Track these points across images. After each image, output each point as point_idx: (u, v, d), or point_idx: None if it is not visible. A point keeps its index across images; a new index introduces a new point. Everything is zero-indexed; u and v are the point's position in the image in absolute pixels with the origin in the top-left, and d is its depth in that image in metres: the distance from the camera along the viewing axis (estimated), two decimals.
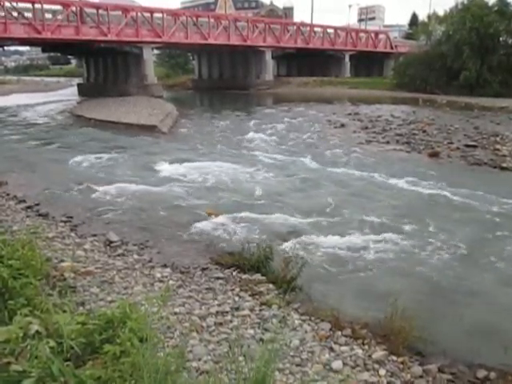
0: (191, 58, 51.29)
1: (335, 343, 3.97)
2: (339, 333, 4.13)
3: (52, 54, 64.00)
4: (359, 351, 3.86)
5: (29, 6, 26.38)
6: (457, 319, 4.56)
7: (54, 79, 62.00)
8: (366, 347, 3.95)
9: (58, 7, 28.19)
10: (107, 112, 21.59)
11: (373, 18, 76.32)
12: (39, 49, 39.59)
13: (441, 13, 38.25)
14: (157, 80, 33.31)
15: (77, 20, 28.21)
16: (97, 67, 37.66)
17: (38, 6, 26.32)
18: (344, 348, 3.90)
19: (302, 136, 16.53)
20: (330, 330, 4.19)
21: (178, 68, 52.10)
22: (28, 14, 26.52)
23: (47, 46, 33.29)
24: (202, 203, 8.39)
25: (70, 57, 69.63)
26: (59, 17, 27.67)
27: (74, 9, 28.14)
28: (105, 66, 36.39)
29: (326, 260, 5.98)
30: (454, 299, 5.04)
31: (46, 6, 26.98)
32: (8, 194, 8.62)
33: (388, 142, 14.89)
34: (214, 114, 23.01)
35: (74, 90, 39.15)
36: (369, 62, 46.18)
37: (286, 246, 6.17)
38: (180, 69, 52.10)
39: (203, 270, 5.50)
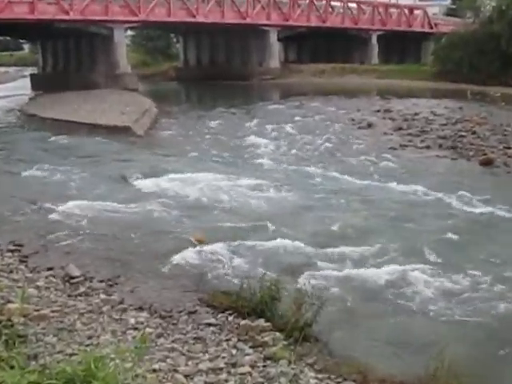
0: (175, 40, 51.93)
1: None
2: None
3: (0, 37, 64.98)
4: None
5: None
6: None
7: (2, 69, 62.85)
8: None
9: None
10: (68, 110, 21.80)
11: None
12: None
13: None
14: (131, 69, 33.68)
15: None
16: (55, 53, 38.12)
17: None
18: None
19: (317, 140, 16.66)
20: None
21: (157, 53, 52.50)
22: None
23: None
24: (189, 227, 8.43)
25: (22, 41, 70.55)
26: None
27: None
28: (65, 51, 36.79)
29: (350, 300, 5.99)
30: None
31: None
32: None
33: (428, 147, 14.99)
34: (203, 112, 23.24)
35: (27, 82, 39.65)
36: (402, 45, 46.41)
37: (298, 282, 6.19)
38: (160, 54, 52.51)
39: (190, 313, 5.50)
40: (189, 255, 7.08)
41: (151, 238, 7.95)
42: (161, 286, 6.24)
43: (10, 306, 5.01)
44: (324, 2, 42.08)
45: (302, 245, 7.57)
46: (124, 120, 19.28)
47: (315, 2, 41.42)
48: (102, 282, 6.26)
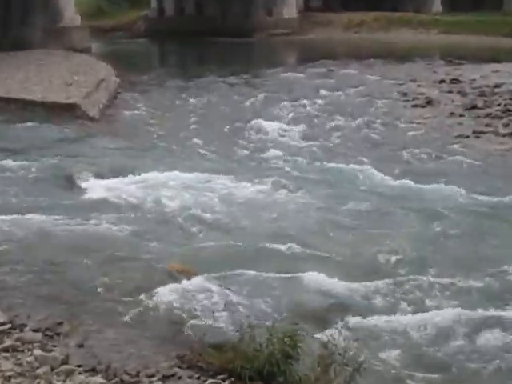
0: None
1: None
2: None
3: None
4: None
5: None
6: None
7: None
8: None
9: None
10: None
11: None
12: None
13: None
14: (81, 20, 33.78)
15: None
16: None
17: None
18: None
19: (352, 124, 16.65)
20: None
21: None
22: None
23: None
24: (164, 251, 8.44)
25: None
26: None
27: None
28: None
29: (398, 360, 5.99)
30: None
31: None
32: None
33: None
34: (186, 83, 23.29)
35: None
36: None
37: (324, 333, 6.16)
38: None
39: (166, 378, 5.47)
40: (164, 292, 7.06)
41: (109, 266, 7.93)
42: (123, 338, 6.20)
43: None
44: None
45: (329, 278, 7.57)
46: (70, 95, 19.31)
47: None
48: (37, 331, 6.22)
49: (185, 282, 7.31)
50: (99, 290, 7.35)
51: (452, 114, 17.37)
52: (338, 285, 7.48)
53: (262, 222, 9.73)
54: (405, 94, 19.94)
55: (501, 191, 11.07)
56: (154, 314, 6.72)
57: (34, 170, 12.54)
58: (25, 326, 6.38)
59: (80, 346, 6.06)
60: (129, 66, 27.73)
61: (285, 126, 16.42)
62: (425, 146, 14.43)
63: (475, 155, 13.67)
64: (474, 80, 21.52)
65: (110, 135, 16.00)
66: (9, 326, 6.35)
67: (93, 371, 5.58)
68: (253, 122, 16.84)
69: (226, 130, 16.52)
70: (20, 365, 5.56)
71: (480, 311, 6.83)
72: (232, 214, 10.01)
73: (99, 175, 11.93)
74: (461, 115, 17.15)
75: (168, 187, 11.13)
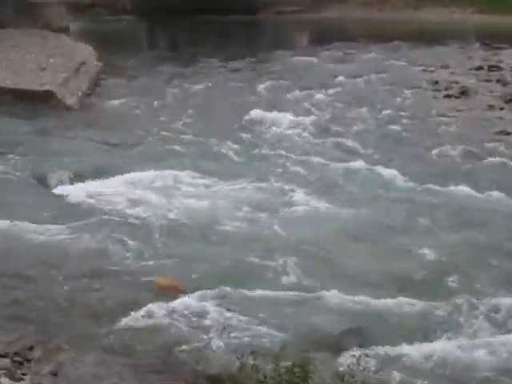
0: None
1: None
2: None
3: None
4: None
5: None
6: None
7: None
8: None
9: None
10: None
11: None
12: None
13: None
14: None
15: None
16: None
17: None
18: None
19: (373, 116, 16.68)
20: None
21: None
22: None
23: None
24: (151, 264, 8.49)
25: None
26: None
27: None
28: None
29: None
30: None
31: None
32: None
33: None
34: (179, 68, 23.31)
35: None
36: None
37: (340, 362, 6.19)
38: None
39: None
40: (150, 312, 7.10)
41: (88, 282, 7.96)
42: (103, 366, 6.22)
43: None
44: None
45: (346, 297, 7.57)
46: (44, 81, 19.20)
47: None
48: (4, 356, 6.23)
49: (175, 301, 7.33)
50: (76, 309, 7.38)
51: (491, 106, 17.37)
52: (356, 304, 7.47)
53: (266, 231, 9.76)
54: (435, 83, 19.91)
55: None
56: (138, 338, 6.73)
57: (0, 169, 12.52)
58: None
59: (54, 374, 6.07)
60: (112, 47, 27.58)
61: (295, 119, 16.37)
62: (458, 143, 14.34)
63: None
64: None
65: (90, 128, 15.97)
66: None
67: None
68: (256, 113, 16.80)
69: (226, 122, 16.56)
70: None
71: None
72: (232, 222, 10.02)
73: (78, 176, 11.95)
74: (501, 108, 17.15)
75: (157, 190, 11.18)
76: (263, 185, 11.67)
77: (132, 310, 7.21)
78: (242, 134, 15.44)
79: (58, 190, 11.53)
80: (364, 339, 6.82)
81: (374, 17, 36.36)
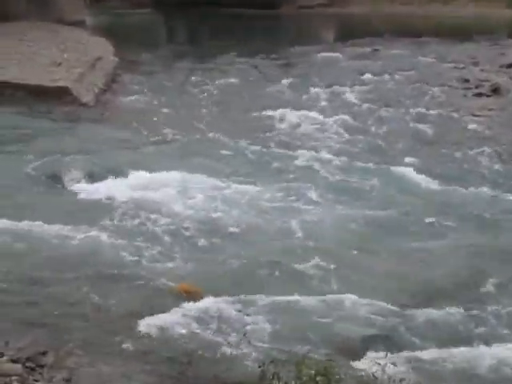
0: None
1: None
2: None
3: None
4: None
5: None
6: None
7: None
8: None
9: None
10: None
11: None
12: None
13: None
14: None
15: None
16: None
17: None
18: None
19: (401, 115, 16.67)
20: None
21: None
22: None
23: None
24: (170, 268, 8.49)
25: None
26: None
27: None
28: None
29: None
30: None
31: None
32: None
33: None
34: (198, 63, 23.39)
35: None
36: None
37: (365, 369, 6.13)
38: None
39: None
40: (169, 319, 7.04)
41: (103, 285, 7.90)
42: (119, 372, 6.17)
43: None
44: None
45: (371, 302, 7.55)
46: (58, 76, 19.17)
47: None
48: (16, 362, 6.18)
49: (193, 306, 7.29)
50: (91, 313, 7.30)
51: None
52: (381, 310, 7.46)
53: (288, 235, 9.72)
54: (465, 81, 19.87)
55: None
56: (155, 344, 6.65)
57: (13, 168, 12.47)
58: (2, 355, 6.32)
59: (67, 380, 6.03)
60: (130, 42, 27.91)
61: (319, 118, 16.38)
62: (489, 144, 14.31)
63: None
64: None
65: (106, 126, 16.01)
66: None
67: None
68: (278, 111, 16.83)
69: (246, 121, 16.52)
70: None
71: None
72: (252, 226, 10.01)
73: (93, 175, 11.92)
74: None
75: (175, 191, 11.12)
76: (283, 184, 11.66)
77: (149, 315, 7.16)
78: (264, 134, 15.47)
79: (73, 189, 11.52)
80: (389, 346, 6.72)
81: (400, 12, 36.43)
